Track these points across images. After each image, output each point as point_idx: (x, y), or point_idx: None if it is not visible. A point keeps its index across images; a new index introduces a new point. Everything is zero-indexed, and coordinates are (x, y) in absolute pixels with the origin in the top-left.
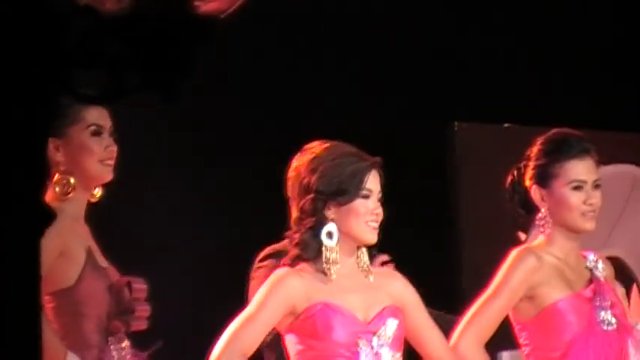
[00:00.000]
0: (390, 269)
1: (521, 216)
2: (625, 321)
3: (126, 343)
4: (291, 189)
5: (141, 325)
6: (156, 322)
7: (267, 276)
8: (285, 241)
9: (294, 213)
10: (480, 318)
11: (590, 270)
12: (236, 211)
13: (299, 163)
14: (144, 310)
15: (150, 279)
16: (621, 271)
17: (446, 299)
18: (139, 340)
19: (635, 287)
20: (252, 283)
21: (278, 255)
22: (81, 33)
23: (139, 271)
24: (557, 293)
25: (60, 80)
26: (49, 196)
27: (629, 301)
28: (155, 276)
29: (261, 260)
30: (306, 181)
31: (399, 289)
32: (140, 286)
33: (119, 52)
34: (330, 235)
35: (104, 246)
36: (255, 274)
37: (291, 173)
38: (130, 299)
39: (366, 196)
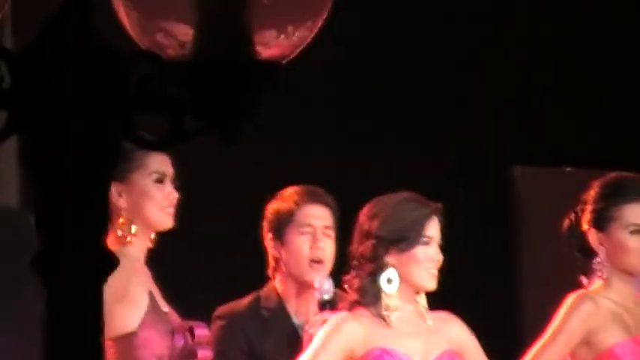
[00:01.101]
0: (447, 313)
1: (578, 260)
2: None
3: None
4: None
5: None
6: None
7: (213, 332)
8: (240, 300)
9: (354, 258)
10: None
11: None
12: None
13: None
14: (206, 354)
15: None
16: None
17: (507, 343)
18: None
19: None
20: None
21: (232, 316)
22: (142, 78)
23: (200, 315)
24: (613, 338)
25: (121, 125)
26: (111, 240)
27: None
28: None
29: (213, 321)
30: (366, 226)
31: (457, 333)
32: (202, 331)
33: (180, 97)
34: (389, 281)
35: (164, 290)
36: (210, 328)
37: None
38: (193, 344)
39: (427, 243)
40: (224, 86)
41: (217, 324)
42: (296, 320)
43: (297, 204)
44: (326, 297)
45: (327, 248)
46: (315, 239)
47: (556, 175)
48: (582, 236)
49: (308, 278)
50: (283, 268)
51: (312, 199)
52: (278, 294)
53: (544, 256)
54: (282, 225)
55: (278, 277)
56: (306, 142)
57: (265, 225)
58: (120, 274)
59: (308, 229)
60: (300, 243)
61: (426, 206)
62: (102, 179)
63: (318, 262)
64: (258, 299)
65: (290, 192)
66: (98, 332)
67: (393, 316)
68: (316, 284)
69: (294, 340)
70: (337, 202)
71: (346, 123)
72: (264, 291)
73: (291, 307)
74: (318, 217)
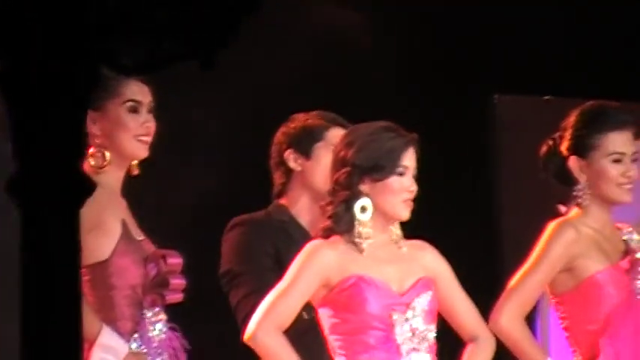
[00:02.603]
0: (420, 241)
1: (557, 187)
2: None
3: (162, 316)
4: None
5: (176, 297)
6: (192, 295)
7: (234, 239)
8: (252, 213)
9: (328, 185)
10: (520, 292)
11: (626, 241)
12: None
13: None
14: (179, 283)
15: (186, 252)
16: None
17: (487, 271)
18: (175, 313)
19: None
20: (224, 247)
21: (253, 222)
22: (120, 2)
23: (175, 244)
24: (595, 265)
25: (99, 50)
26: (85, 168)
27: None
28: (191, 249)
29: (230, 229)
30: (342, 154)
31: (431, 260)
32: (175, 260)
33: (159, 21)
34: (363, 209)
35: (140, 219)
36: (225, 237)
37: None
38: (165, 272)
39: (402, 173)
40: (201, 10)
41: (237, 230)
42: (311, 232)
43: (327, 125)
44: None
45: None
46: None
47: (535, 104)
48: (560, 163)
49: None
50: (302, 182)
51: (339, 123)
52: (288, 209)
53: (523, 184)
54: (311, 141)
55: (290, 193)
56: (281, 64)
57: (283, 139)
58: (93, 203)
59: None
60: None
61: (402, 136)
62: (78, 105)
63: None
64: (269, 213)
65: (313, 114)
66: (75, 258)
67: (365, 244)
68: None
69: None
70: None
71: (326, 49)
72: (272, 208)
73: (304, 221)
74: None
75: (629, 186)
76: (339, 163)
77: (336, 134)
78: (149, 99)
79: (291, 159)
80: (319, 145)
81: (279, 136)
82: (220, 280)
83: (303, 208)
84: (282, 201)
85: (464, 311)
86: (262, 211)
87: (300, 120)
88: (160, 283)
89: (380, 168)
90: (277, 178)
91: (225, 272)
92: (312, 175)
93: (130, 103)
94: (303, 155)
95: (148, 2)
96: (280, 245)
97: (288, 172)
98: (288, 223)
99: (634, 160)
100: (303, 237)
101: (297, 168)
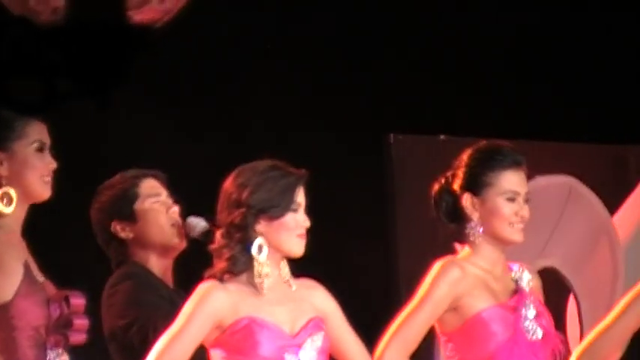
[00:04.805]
0: (309, 279)
1: (443, 224)
2: (552, 331)
3: (64, 358)
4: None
5: (80, 338)
6: (95, 336)
7: (127, 291)
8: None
9: (222, 227)
10: (404, 330)
11: (516, 281)
12: None
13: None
14: (82, 323)
15: (89, 293)
16: (557, 282)
17: (383, 311)
18: (78, 354)
19: (571, 297)
20: (116, 299)
21: (133, 276)
22: (16, 43)
23: (75, 286)
24: (481, 303)
25: None
26: None
27: (565, 311)
28: (94, 289)
29: (114, 285)
30: (235, 196)
31: (321, 299)
32: (78, 300)
33: (54, 61)
34: (260, 249)
35: (40, 260)
36: (115, 289)
37: None
38: (68, 313)
39: (295, 210)
40: (95, 50)
41: (129, 283)
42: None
43: (135, 181)
44: (201, 228)
45: (177, 210)
46: (168, 206)
47: (430, 143)
48: (452, 201)
49: (174, 240)
50: (141, 245)
51: (146, 174)
52: (145, 266)
53: (418, 222)
54: (128, 203)
55: (136, 257)
56: (176, 103)
57: (102, 215)
58: None
59: (157, 199)
60: (156, 211)
61: (293, 174)
62: None
63: (177, 224)
64: (135, 270)
65: (116, 179)
66: None
67: (265, 284)
68: (189, 223)
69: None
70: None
71: (222, 86)
72: (132, 267)
73: (159, 274)
74: (158, 188)
75: (520, 225)
76: (232, 205)
77: (150, 185)
78: (49, 139)
79: (119, 230)
80: (138, 203)
81: (94, 214)
82: (125, 332)
83: (155, 264)
84: (131, 262)
85: (353, 351)
86: (127, 268)
87: (107, 191)
88: (63, 324)
89: (275, 206)
90: (113, 251)
91: (132, 321)
92: (146, 234)
93: (36, 144)
94: (128, 221)
95: (43, 43)
96: (169, 294)
97: (122, 242)
98: (155, 277)
99: (526, 201)
100: (173, 288)
101: (130, 235)
